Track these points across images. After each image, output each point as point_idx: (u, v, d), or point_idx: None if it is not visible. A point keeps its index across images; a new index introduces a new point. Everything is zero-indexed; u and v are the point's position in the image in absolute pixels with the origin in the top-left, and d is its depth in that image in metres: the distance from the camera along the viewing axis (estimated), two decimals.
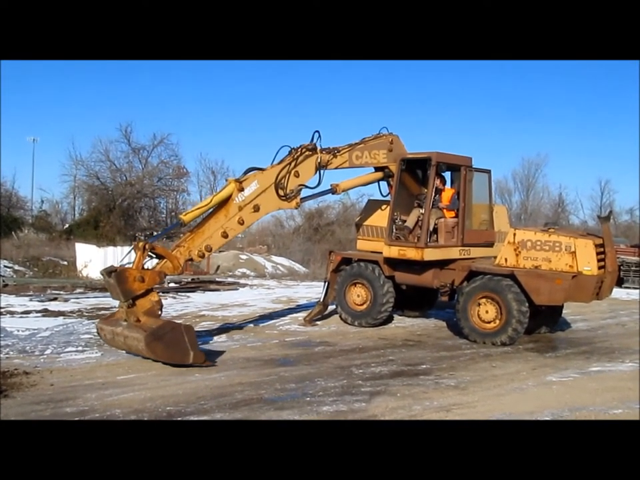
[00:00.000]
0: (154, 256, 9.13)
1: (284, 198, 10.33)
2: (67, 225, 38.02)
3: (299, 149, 10.51)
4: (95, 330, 10.73)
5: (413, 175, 12.28)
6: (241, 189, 9.73)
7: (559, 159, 80.00)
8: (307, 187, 10.73)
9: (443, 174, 12.07)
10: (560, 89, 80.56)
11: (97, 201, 36.64)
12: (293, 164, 10.37)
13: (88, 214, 36.69)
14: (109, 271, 8.64)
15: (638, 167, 65.62)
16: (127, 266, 8.88)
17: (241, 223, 9.83)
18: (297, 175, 10.44)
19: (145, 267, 8.95)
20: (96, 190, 36.95)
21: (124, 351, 9.13)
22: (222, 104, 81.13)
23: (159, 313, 8.94)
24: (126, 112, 73.69)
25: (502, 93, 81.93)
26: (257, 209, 9.95)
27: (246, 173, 10.01)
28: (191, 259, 9.55)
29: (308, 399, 7.30)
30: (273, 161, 10.32)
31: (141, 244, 8.91)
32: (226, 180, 9.87)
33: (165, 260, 9.12)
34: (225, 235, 9.69)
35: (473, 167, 11.98)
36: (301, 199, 10.77)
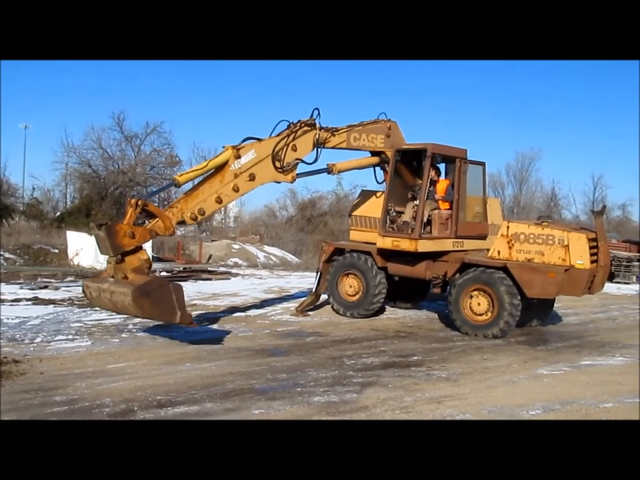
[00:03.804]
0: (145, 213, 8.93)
1: (280, 170, 10.26)
2: (58, 213, 37.75)
3: (298, 124, 10.46)
4: (84, 324, 10.74)
5: (408, 165, 12.25)
6: (238, 156, 9.64)
7: (552, 153, 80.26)
8: (303, 161, 10.68)
9: (437, 165, 12.06)
10: (555, 84, 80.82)
11: (88, 188, 36.38)
12: (291, 137, 10.32)
13: (80, 202, 36.42)
14: (99, 224, 8.45)
15: (638, 164, 65.76)
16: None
17: (236, 190, 9.74)
18: (294, 149, 10.38)
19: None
20: (88, 178, 36.68)
21: (109, 311, 8.83)
22: (216, 93, 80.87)
23: (148, 272, 8.76)
24: (119, 100, 73.14)
25: (497, 87, 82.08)
26: (252, 177, 9.86)
27: (243, 141, 9.90)
28: (183, 221, 9.38)
29: (299, 389, 7.28)
30: (271, 134, 10.25)
31: (133, 200, 8.72)
32: (223, 147, 9.76)
33: (157, 219, 8.94)
34: (219, 200, 9.59)
35: (468, 159, 11.96)
36: (297, 174, 10.71)
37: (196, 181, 9.92)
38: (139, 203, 8.69)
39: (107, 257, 8.60)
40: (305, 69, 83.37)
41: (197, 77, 78.69)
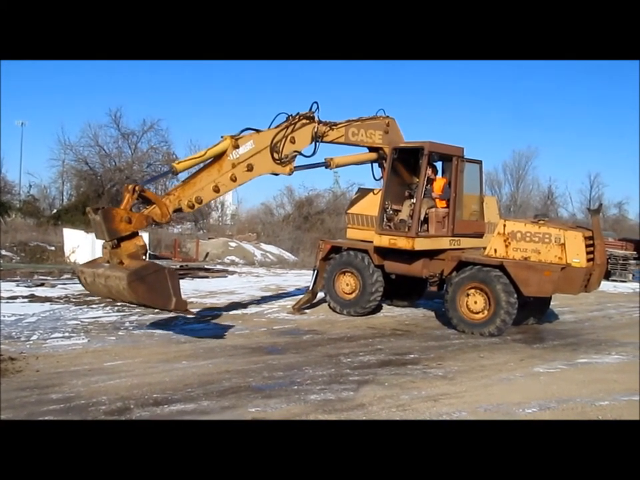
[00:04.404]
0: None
1: (278, 162, 10.26)
2: (54, 210, 37.62)
3: (297, 116, 10.47)
4: (80, 321, 10.72)
5: (405, 164, 12.25)
6: (236, 146, 9.62)
7: (549, 152, 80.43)
8: (301, 154, 10.68)
9: (434, 164, 12.07)
10: (552, 83, 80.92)
11: (85, 186, 36.29)
12: (290, 129, 10.33)
13: (76, 199, 36.28)
14: (95, 208, 8.37)
15: (638, 162, 65.81)
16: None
17: (234, 180, 9.70)
18: (292, 141, 10.39)
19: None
20: (84, 175, 36.59)
21: (104, 297, 8.70)
22: (213, 90, 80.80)
23: (144, 258, 8.68)
24: (116, 97, 72.90)
25: (494, 86, 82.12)
26: (250, 168, 9.83)
27: (242, 132, 9.87)
28: (180, 209, 9.29)
29: (296, 387, 7.29)
30: (269, 126, 10.26)
31: (130, 186, 8.64)
32: (221, 137, 9.72)
33: (154, 206, 8.87)
34: (216, 190, 9.54)
35: (465, 157, 11.96)
36: (295, 167, 10.69)
37: (193, 170, 9.84)
38: (136, 188, 8.58)
39: (103, 242, 8.50)
40: (302, 67, 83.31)
41: (194, 75, 78.57)
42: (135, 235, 8.53)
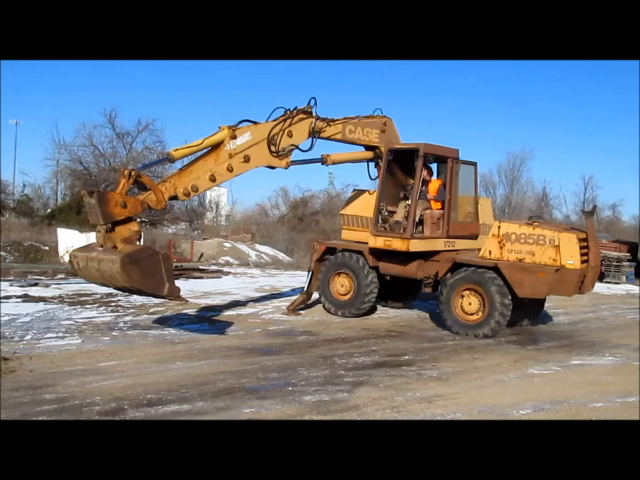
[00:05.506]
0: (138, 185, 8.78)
1: (275, 155, 10.25)
2: (49, 210, 37.54)
3: (295, 110, 10.47)
4: (74, 321, 10.69)
5: (401, 165, 12.25)
6: (234, 137, 9.59)
7: (543, 153, 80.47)
8: (298, 148, 10.67)
9: (430, 165, 12.09)
10: (547, 84, 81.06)
11: (79, 186, 36.13)
12: (287, 122, 10.33)
13: (70, 199, 36.24)
14: (90, 191, 8.26)
15: (638, 163, 66.00)
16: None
17: (230, 170, 9.66)
18: (290, 135, 10.38)
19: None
20: (79, 175, 36.57)
21: (96, 282, 8.69)
22: (209, 91, 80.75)
23: (138, 243, 8.58)
24: (111, 96, 72.83)
25: (489, 87, 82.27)
26: (247, 159, 9.80)
27: (239, 123, 9.82)
28: (176, 196, 9.20)
29: (290, 388, 7.28)
30: (267, 119, 10.25)
31: (126, 171, 8.54)
32: (219, 127, 9.67)
33: (150, 192, 8.79)
34: (212, 179, 9.49)
35: (460, 159, 11.99)
36: (292, 161, 10.67)
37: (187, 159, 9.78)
38: (132, 173, 8.49)
39: (97, 225, 8.39)
40: (299, 67, 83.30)
41: (190, 75, 78.56)
42: (129, 219, 8.45)
